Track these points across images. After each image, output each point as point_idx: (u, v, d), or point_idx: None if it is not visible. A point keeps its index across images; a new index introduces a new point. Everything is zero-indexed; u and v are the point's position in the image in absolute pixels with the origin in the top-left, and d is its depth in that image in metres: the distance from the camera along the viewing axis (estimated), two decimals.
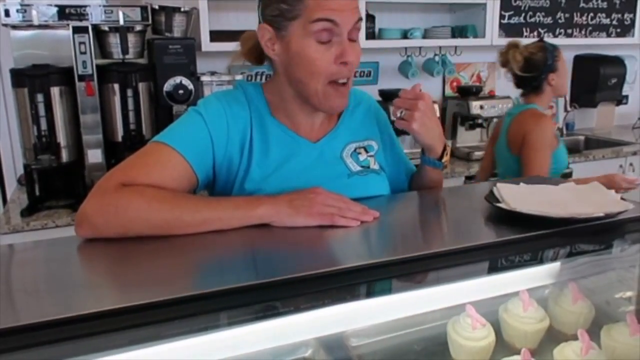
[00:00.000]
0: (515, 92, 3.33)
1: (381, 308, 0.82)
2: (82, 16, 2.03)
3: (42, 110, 1.99)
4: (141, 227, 0.91)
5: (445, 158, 1.19)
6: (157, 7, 2.22)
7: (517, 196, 1.03)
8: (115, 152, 2.16)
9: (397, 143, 1.30)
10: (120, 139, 2.15)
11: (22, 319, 0.65)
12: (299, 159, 1.11)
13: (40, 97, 1.98)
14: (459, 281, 0.86)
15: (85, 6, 2.03)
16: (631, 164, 3.04)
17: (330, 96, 1.05)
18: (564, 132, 3.50)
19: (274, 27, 1.04)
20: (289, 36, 1.02)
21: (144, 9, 2.11)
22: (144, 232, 0.91)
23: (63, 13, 2.01)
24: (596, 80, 3.50)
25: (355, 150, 1.17)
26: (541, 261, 0.96)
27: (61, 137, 2.04)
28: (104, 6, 2.06)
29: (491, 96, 3.22)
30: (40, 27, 2.04)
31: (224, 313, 0.72)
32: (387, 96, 2.75)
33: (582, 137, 3.49)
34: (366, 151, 1.18)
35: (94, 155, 2.11)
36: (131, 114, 2.14)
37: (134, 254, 0.88)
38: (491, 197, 1.05)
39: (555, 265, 0.97)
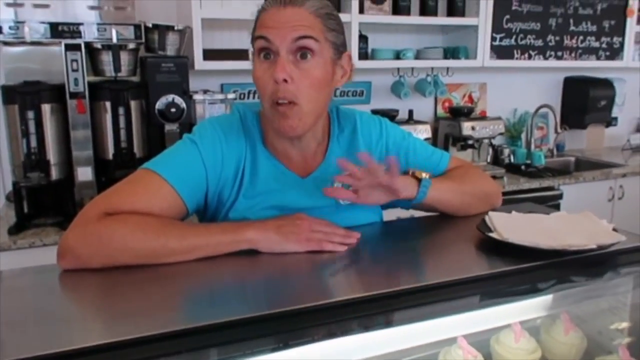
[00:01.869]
0: (505, 114, 3.38)
1: (372, 341, 0.81)
2: (75, 33, 2.03)
3: (32, 127, 1.97)
4: (126, 257, 0.89)
5: (426, 174, 1.13)
6: (150, 25, 2.22)
7: (509, 226, 1.03)
8: (105, 170, 2.14)
9: (411, 154, 1.23)
10: (111, 156, 2.13)
11: (5, 354, 0.64)
12: (286, 194, 1.09)
13: (30, 114, 1.96)
14: (451, 314, 0.85)
15: (79, 24, 2.02)
16: (621, 186, 3.07)
17: (274, 117, 1.01)
18: (555, 153, 3.52)
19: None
20: (253, 56, 1.03)
21: (137, 27, 2.11)
22: (130, 262, 0.89)
23: (56, 30, 2.00)
24: (586, 102, 3.54)
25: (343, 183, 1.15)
26: (533, 292, 0.95)
27: (51, 155, 2.02)
28: (98, 24, 2.05)
29: (483, 117, 3.24)
30: (32, 43, 2.03)
31: (214, 349, 0.71)
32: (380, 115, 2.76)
33: (572, 159, 3.52)
34: None
35: (84, 173, 2.09)
36: (122, 132, 2.12)
37: (121, 284, 0.86)
38: (483, 227, 1.05)
39: (548, 297, 0.97)
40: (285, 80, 0.97)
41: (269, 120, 1.05)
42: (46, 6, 2.02)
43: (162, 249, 0.91)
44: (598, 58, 3.44)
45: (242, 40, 2.57)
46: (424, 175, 1.12)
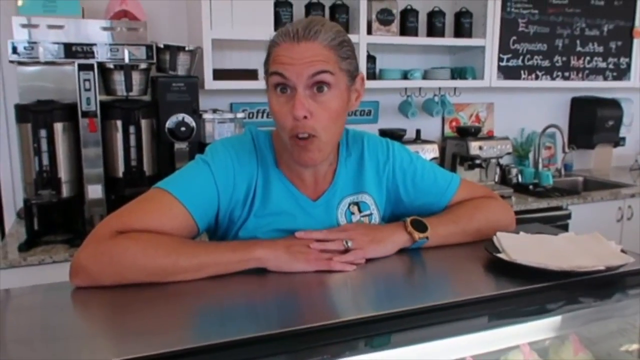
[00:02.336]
0: (512, 133, 3.38)
1: None
2: (88, 54, 2.06)
3: (44, 146, 2.00)
4: (138, 275, 0.91)
5: (421, 235, 1.10)
6: (162, 45, 2.26)
7: (517, 246, 1.03)
8: (115, 188, 2.16)
9: (418, 178, 1.21)
10: (121, 174, 2.15)
11: None
12: (297, 216, 1.10)
13: (43, 133, 1.99)
14: (459, 335, 0.85)
15: (92, 44, 2.06)
16: (630, 206, 3.05)
17: (294, 150, 1.03)
18: (562, 173, 3.52)
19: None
20: (268, 88, 1.04)
21: (149, 47, 2.15)
22: (141, 280, 0.91)
23: (69, 51, 2.04)
24: (593, 122, 3.55)
25: (349, 207, 1.15)
26: (542, 313, 0.95)
27: (62, 172, 2.04)
28: (110, 44, 2.09)
29: (490, 137, 3.25)
30: (46, 63, 2.07)
31: None
32: (387, 135, 2.77)
33: (580, 178, 3.51)
34: (359, 210, 1.16)
35: (95, 191, 2.11)
36: (133, 150, 2.15)
37: (132, 302, 0.87)
38: (491, 247, 1.05)
39: (556, 318, 0.96)
40: (305, 117, 0.98)
41: (288, 151, 1.06)
42: (60, 27, 2.06)
43: (173, 266, 0.92)
44: (605, 79, 3.46)
45: (251, 61, 2.60)
46: (417, 237, 1.09)
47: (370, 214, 1.18)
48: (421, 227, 1.11)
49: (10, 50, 1.99)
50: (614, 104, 3.59)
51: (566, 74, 3.32)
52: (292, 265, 0.97)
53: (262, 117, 2.83)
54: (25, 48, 2.00)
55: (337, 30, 1.03)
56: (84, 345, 0.75)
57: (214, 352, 0.70)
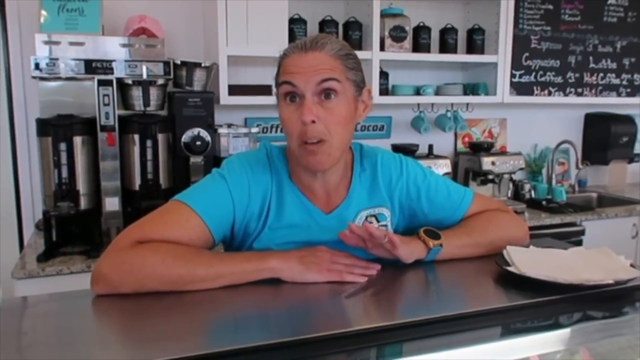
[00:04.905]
0: (525, 149, 3.39)
1: None
2: (107, 70, 2.12)
3: (64, 159, 2.05)
4: (156, 283, 0.94)
5: (435, 243, 1.11)
6: (179, 62, 2.32)
7: (527, 260, 1.04)
8: (132, 201, 2.20)
9: (431, 194, 1.23)
10: (137, 187, 2.19)
11: None
12: (310, 228, 1.13)
13: (63, 146, 2.04)
14: (468, 346, 0.86)
15: (111, 61, 2.12)
16: None
17: (303, 156, 1.06)
18: (576, 188, 3.51)
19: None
20: (278, 99, 1.08)
21: (166, 64, 2.20)
22: (159, 288, 0.94)
23: (89, 67, 2.10)
24: (607, 138, 3.54)
25: (366, 218, 1.17)
26: (551, 326, 0.96)
27: (81, 185, 2.09)
28: (129, 61, 2.15)
29: (503, 152, 3.25)
30: (67, 79, 2.13)
31: None
32: (400, 150, 2.80)
33: (594, 194, 3.49)
34: (377, 220, 1.19)
35: (112, 203, 2.15)
36: (149, 164, 2.19)
37: (148, 309, 0.90)
38: (501, 260, 1.07)
39: (565, 331, 0.97)
40: (313, 121, 1.02)
41: (296, 158, 1.09)
42: (81, 44, 2.12)
43: (190, 276, 0.95)
44: (619, 95, 3.45)
45: (265, 76, 2.65)
46: (431, 244, 1.11)
47: (386, 225, 1.20)
48: (434, 236, 1.12)
49: (32, 66, 2.05)
50: (628, 120, 3.58)
51: (579, 90, 3.32)
52: (305, 275, 0.99)
53: (276, 131, 2.87)
54: (47, 64, 2.06)
55: (343, 44, 1.09)
56: (104, 349, 0.77)
57: (228, 358, 0.72)
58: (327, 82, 1.03)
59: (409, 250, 1.09)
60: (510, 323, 0.93)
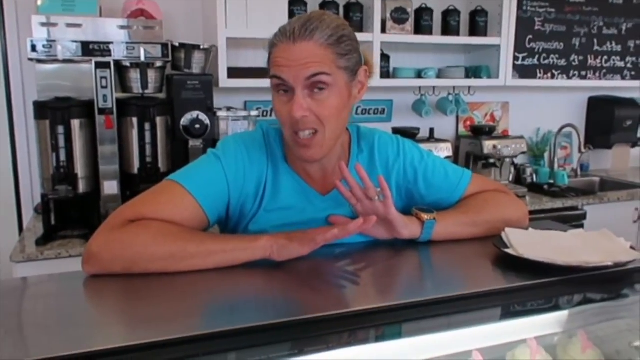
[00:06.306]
0: (528, 133, 3.36)
1: (386, 352, 0.82)
2: (105, 52, 2.10)
3: (62, 142, 2.04)
4: (147, 261, 0.92)
5: (429, 216, 1.11)
6: (177, 44, 2.29)
7: (525, 242, 1.03)
8: (130, 184, 2.19)
9: (429, 175, 1.22)
10: (136, 171, 2.19)
11: (31, 354, 0.67)
12: (306, 210, 1.12)
13: (61, 129, 2.03)
14: (466, 327, 0.86)
15: (109, 43, 2.10)
16: None
17: (295, 146, 1.06)
18: (579, 173, 3.49)
19: None
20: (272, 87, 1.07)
21: (164, 46, 2.18)
22: (150, 267, 0.92)
23: (87, 49, 2.08)
24: (611, 122, 3.51)
25: None
26: (549, 309, 0.95)
27: (79, 168, 2.08)
28: (127, 43, 2.12)
29: (504, 136, 3.23)
30: (64, 61, 2.11)
31: (232, 354, 0.73)
32: (401, 134, 2.77)
33: (597, 179, 3.47)
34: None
35: (110, 187, 2.15)
36: (148, 147, 2.18)
37: (143, 290, 0.89)
38: (499, 243, 1.05)
39: (564, 313, 0.96)
40: (305, 116, 1.01)
41: (290, 147, 1.09)
42: (78, 26, 2.10)
43: (181, 252, 0.94)
44: (623, 78, 3.42)
45: (265, 59, 2.62)
46: (425, 217, 1.10)
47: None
48: (427, 211, 1.12)
49: (29, 48, 2.03)
50: (632, 104, 3.54)
51: (583, 73, 3.29)
52: (289, 248, 0.98)
53: None
54: (44, 46, 2.04)
55: (337, 26, 1.03)
56: (98, 330, 0.77)
57: (222, 338, 0.72)
58: (317, 77, 1.00)
59: (403, 221, 1.09)
60: (508, 305, 0.92)
